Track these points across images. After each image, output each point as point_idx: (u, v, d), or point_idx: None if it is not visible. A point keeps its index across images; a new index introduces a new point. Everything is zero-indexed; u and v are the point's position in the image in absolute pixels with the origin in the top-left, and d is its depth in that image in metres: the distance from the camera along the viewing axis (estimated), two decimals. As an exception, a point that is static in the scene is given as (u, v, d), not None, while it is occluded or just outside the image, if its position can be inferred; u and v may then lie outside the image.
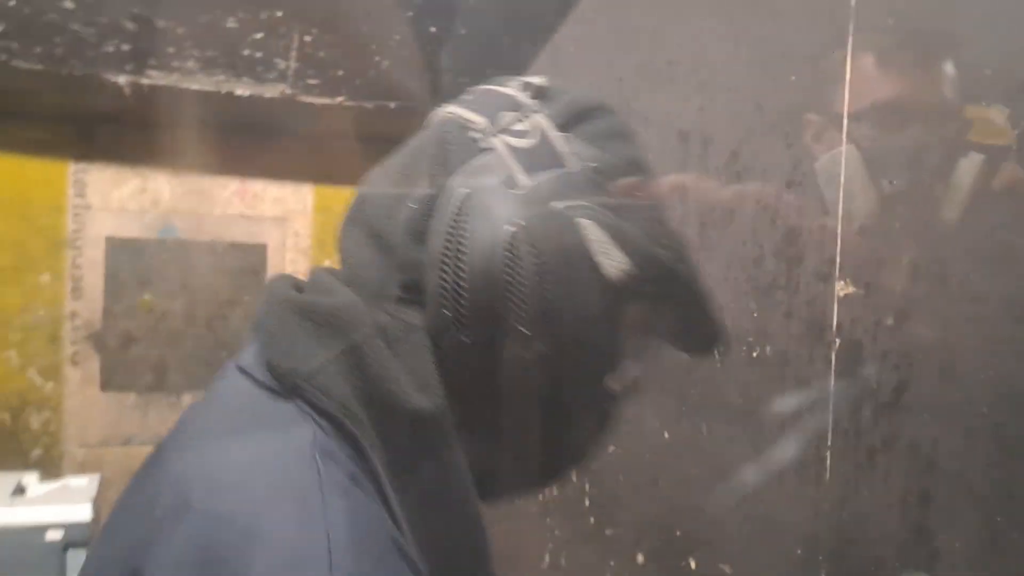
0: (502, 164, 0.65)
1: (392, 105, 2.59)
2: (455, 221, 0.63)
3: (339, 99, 2.53)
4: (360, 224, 0.79)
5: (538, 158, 0.66)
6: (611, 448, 1.67)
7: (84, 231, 3.59)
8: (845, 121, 1.03)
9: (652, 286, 0.67)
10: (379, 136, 3.10)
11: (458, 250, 0.63)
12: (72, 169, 3.52)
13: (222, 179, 3.74)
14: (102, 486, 2.75)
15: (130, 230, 3.69)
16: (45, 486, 2.48)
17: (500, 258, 0.62)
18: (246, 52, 2.21)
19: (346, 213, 0.84)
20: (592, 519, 1.73)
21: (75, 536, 2.17)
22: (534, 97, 0.71)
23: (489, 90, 0.75)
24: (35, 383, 3.53)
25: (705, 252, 1.35)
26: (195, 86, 2.41)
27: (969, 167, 0.84)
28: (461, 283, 0.62)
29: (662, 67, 1.54)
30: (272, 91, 2.45)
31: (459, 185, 0.65)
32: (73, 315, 3.61)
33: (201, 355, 3.88)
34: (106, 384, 3.69)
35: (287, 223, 3.91)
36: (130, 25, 2.04)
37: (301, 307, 0.71)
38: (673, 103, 1.49)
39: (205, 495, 0.60)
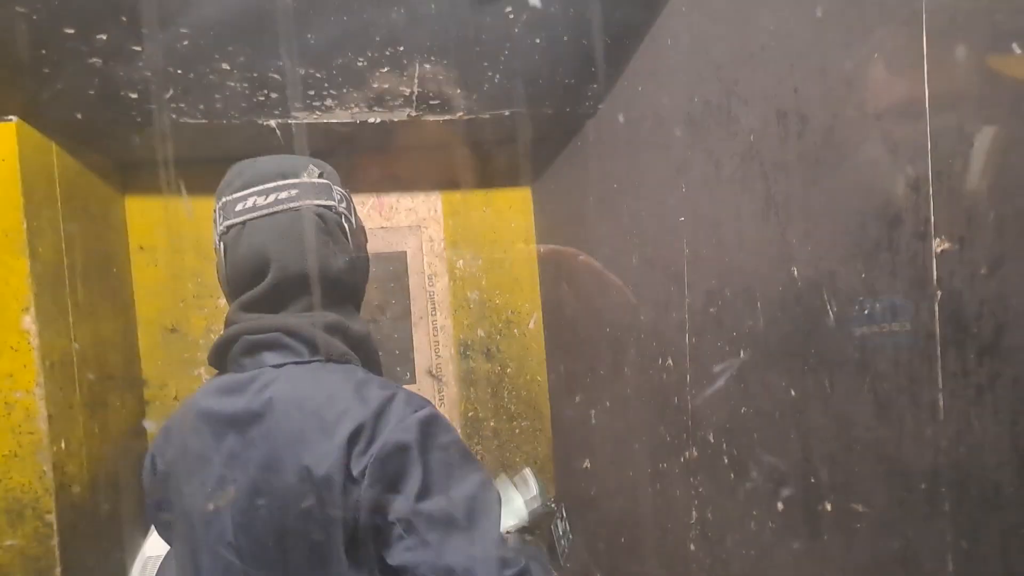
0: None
1: (507, 112, 2.78)
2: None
3: (459, 115, 2.74)
4: None
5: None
6: (743, 409, 1.80)
7: (247, 257, 4.00)
8: (927, 104, 1.13)
9: None
10: (492, 141, 3.32)
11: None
12: (231, 203, 3.93)
13: (361, 196, 4.07)
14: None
15: (285, 252, 4.07)
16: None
17: None
18: (375, 85, 2.46)
19: None
20: (732, 475, 1.87)
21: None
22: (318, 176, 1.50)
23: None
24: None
25: (809, 223, 1.46)
26: (334, 120, 2.69)
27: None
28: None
29: (756, 51, 1.65)
30: (400, 115, 2.70)
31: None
32: (245, 333, 4.04)
33: (359, 358, 4.23)
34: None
35: (422, 230, 4.20)
36: (276, 76, 2.33)
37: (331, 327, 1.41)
38: (770, 85, 1.60)
39: (375, 392, 1.33)
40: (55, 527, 2.41)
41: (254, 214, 1.29)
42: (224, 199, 1.32)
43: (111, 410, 3.12)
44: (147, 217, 3.73)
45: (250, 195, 1.30)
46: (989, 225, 1.04)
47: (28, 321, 2.38)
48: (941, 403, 1.15)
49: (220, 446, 1.28)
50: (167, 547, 2.19)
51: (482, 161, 3.80)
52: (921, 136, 1.15)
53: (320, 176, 1.33)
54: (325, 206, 1.33)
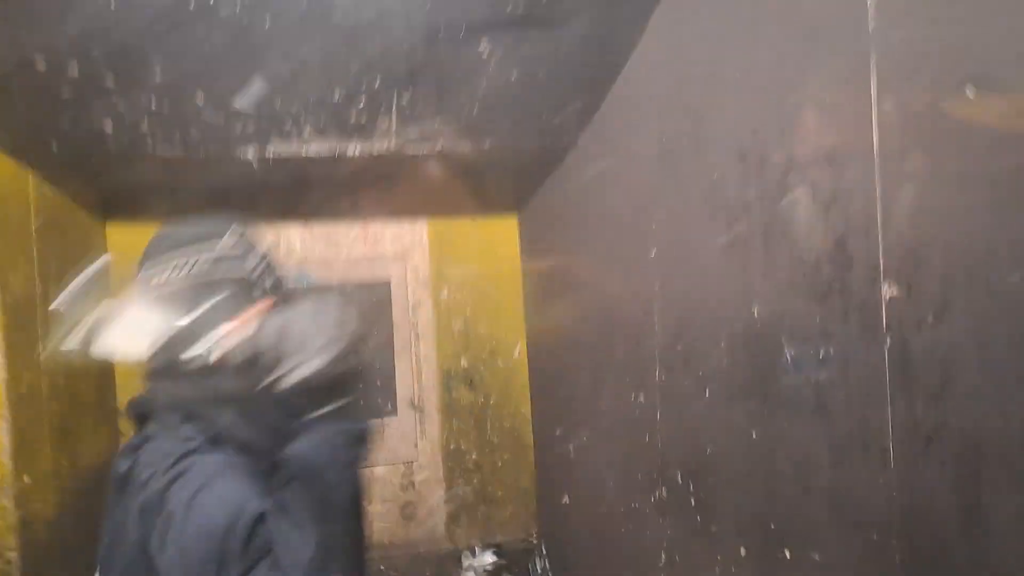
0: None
1: (486, 145, 2.79)
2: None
3: (438, 147, 2.75)
4: None
5: None
6: (708, 450, 1.78)
7: (230, 285, 3.99)
8: (876, 147, 1.12)
9: None
10: (475, 170, 3.32)
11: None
12: (215, 231, 3.92)
13: (346, 225, 4.07)
14: None
15: (269, 280, 4.05)
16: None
17: None
18: (352, 119, 2.46)
19: None
20: (698, 517, 1.84)
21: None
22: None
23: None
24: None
25: (768, 262, 1.45)
26: (312, 152, 2.69)
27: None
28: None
29: (721, 92, 1.65)
30: (379, 147, 2.70)
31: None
32: (228, 361, 4.00)
33: (342, 388, 4.20)
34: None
35: (406, 259, 4.20)
36: (251, 109, 2.33)
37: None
38: (733, 126, 1.59)
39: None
40: (17, 565, 2.37)
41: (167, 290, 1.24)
42: (139, 270, 1.28)
43: (83, 442, 3.09)
44: (128, 244, 3.70)
45: (164, 267, 1.25)
46: (936, 273, 1.03)
47: (-5, 352, 2.36)
48: (891, 451, 1.13)
49: None
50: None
51: (468, 190, 3.80)
52: (869, 180, 1.15)
53: (234, 246, 1.30)
54: (236, 279, 1.28)
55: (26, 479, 2.47)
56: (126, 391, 3.71)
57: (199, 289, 1.23)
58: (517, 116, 2.59)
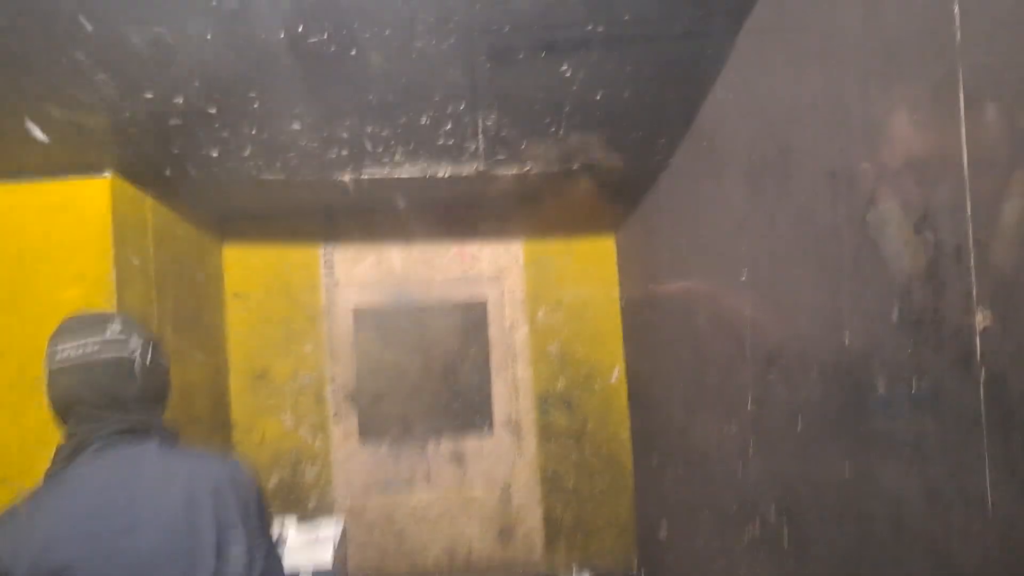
0: None
1: (575, 166, 2.77)
2: None
3: (527, 168, 2.75)
4: None
5: None
6: (801, 486, 1.68)
7: (335, 304, 4.12)
8: (965, 164, 1.04)
9: None
10: (568, 190, 3.31)
11: None
12: (322, 252, 4.08)
13: (443, 246, 4.13)
14: (346, 529, 3.14)
15: (371, 300, 4.17)
16: (302, 532, 2.86)
17: None
18: (440, 141, 2.49)
19: None
20: (792, 560, 1.74)
21: (322, 579, 2.54)
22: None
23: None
24: (306, 440, 4.07)
25: (858, 287, 1.36)
26: (404, 175, 2.74)
27: None
28: None
29: (806, 110, 1.57)
30: (468, 169, 2.72)
31: None
32: (332, 378, 4.13)
33: (439, 405, 4.27)
34: (363, 437, 4.17)
35: (502, 280, 4.22)
36: (345, 134, 2.40)
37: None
38: (820, 144, 1.51)
39: None
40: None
41: (67, 364, 1.52)
42: (49, 348, 1.57)
43: (195, 452, 3.24)
44: (243, 265, 3.90)
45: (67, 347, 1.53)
46: (1030, 301, 0.94)
47: (111, 367, 2.51)
48: (988, 497, 1.03)
49: None
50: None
51: (563, 211, 3.79)
52: (960, 199, 1.06)
53: (120, 332, 1.56)
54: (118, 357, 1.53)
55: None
56: (240, 405, 3.88)
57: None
58: (605, 136, 2.55)
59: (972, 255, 1.04)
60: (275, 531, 2.18)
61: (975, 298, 1.04)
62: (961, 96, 1.04)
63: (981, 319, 1.03)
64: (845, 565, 1.47)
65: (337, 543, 2.74)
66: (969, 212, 1.04)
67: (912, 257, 1.20)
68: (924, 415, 1.18)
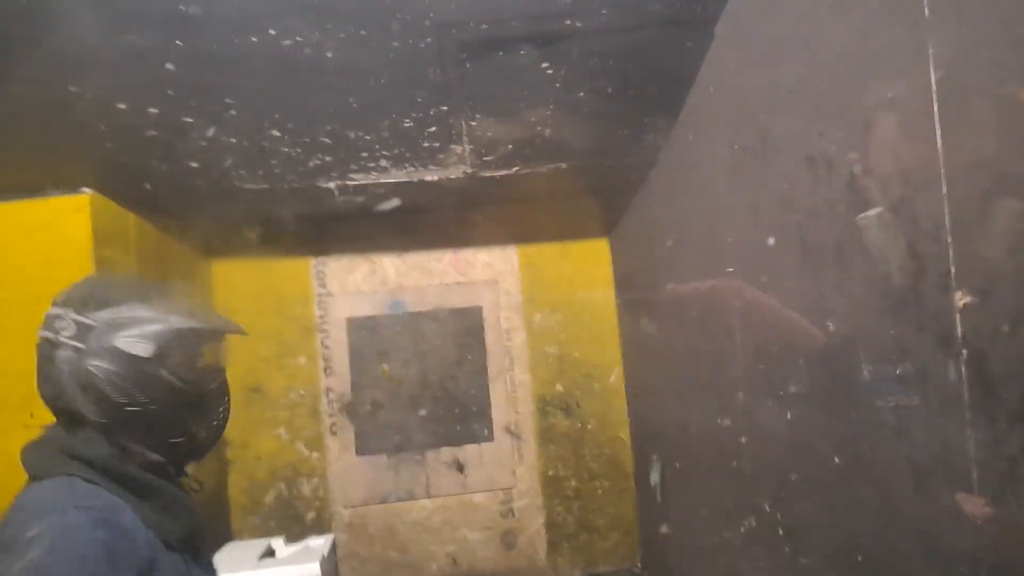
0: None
1: (564, 165, 2.75)
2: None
3: (515, 169, 2.73)
4: None
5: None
6: (793, 476, 1.66)
7: (328, 315, 4.10)
8: (939, 144, 1.02)
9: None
10: (559, 193, 3.29)
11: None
12: (313, 263, 4.06)
13: (437, 252, 4.11)
14: (336, 545, 3.12)
15: (365, 309, 4.15)
16: (290, 548, 2.83)
17: None
18: (426, 144, 2.48)
19: None
20: (787, 548, 1.71)
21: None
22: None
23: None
24: (303, 454, 4.04)
25: (841, 273, 1.34)
26: (391, 179, 2.72)
27: None
28: None
29: (784, 95, 1.55)
30: (455, 172, 2.71)
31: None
32: (328, 390, 4.10)
33: (438, 413, 4.23)
34: (361, 449, 4.14)
35: (498, 284, 4.19)
36: (327, 140, 2.38)
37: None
38: (799, 129, 1.50)
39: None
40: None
41: None
42: None
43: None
44: (233, 280, 3.88)
45: None
46: (1008, 276, 0.92)
47: (100, 383, 2.49)
48: (974, 476, 1.01)
49: None
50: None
51: (555, 214, 3.78)
52: (937, 185, 1.04)
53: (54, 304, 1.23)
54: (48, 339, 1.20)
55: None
56: (234, 421, 3.85)
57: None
58: (591, 135, 2.54)
59: (949, 234, 1.02)
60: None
61: (954, 278, 1.02)
62: (933, 75, 1.03)
63: (960, 297, 1.01)
64: (839, 553, 1.45)
65: (326, 554, 2.71)
66: (945, 191, 1.02)
67: (892, 239, 1.18)
68: (909, 397, 1.16)
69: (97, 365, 1.15)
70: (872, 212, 1.17)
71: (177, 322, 1.22)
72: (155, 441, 1.22)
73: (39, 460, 1.21)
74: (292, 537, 3.06)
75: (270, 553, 2.75)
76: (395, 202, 3.15)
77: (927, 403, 1.11)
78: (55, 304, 1.23)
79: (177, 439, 1.26)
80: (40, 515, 1.09)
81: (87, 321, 1.18)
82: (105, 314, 1.19)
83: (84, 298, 1.23)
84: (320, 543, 2.84)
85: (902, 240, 1.13)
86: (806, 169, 1.46)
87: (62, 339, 1.18)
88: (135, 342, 1.17)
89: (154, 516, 1.18)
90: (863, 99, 1.24)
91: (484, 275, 4.22)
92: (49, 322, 1.21)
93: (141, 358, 1.17)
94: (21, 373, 2.45)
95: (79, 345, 1.17)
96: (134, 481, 1.18)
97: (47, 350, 1.19)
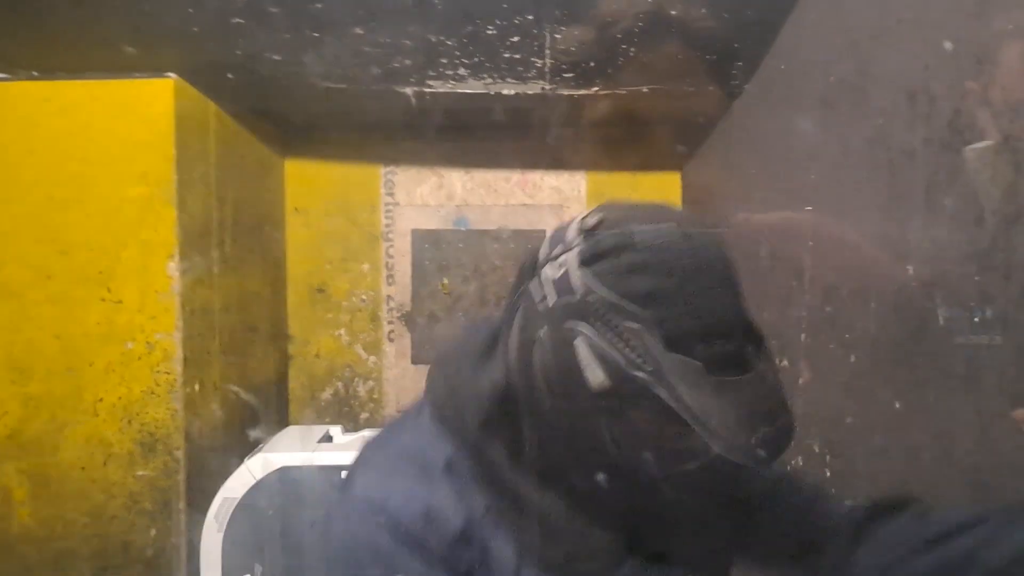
0: (540, 287, 0.86)
1: (645, 89, 2.67)
2: (512, 325, 0.90)
3: (594, 89, 2.67)
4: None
5: (561, 285, 0.83)
6: (848, 420, 1.63)
7: (394, 225, 4.14)
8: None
9: (628, 400, 0.80)
10: (637, 119, 3.22)
11: (510, 345, 0.90)
12: (383, 172, 4.08)
13: (505, 172, 4.09)
14: None
15: (430, 223, 4.17)
16: (347, 437, 2.92)
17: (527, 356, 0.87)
18: (506, 55, 2.43)
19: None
20: (833, 489, 1.70)
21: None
22: (579, 233, 0.86)
23: (564, 225, 0.93)
24: (361, 357, 4.14)
25: (929, 215, 1.29)
26: (468, 90, 2.69)
27: None
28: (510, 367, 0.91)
29: (891, 25, 1.47)
30: (533, 88, 2.66)
31: (519, 299, 0.91)
32: (388, 298, 4.17)
33: (494, 333, 4.28)
34: (416, 358, 4.22)
35: (563, 210, 4.15)
36: (408, 42, 2.36)
37: None
38: (902, 62, 1.42)
39: None
40: (183, 463, 2.60)
41: None
42: None
43: (252, 360, 3.32)
44: (305, 180, 3.93)
45: None
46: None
47: (172, 268, 2.57)
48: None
49: None
50: (243, 490, 2.29)
51: (630, 142, 3.69)
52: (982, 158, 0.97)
53: None
54: None
55: (195, 387, 2.70)
56: (297, 319, 3.96)
57: None
58: (676, 59, 2.45)
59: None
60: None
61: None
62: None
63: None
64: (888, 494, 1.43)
65: None
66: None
67: (990, 183, 1.12)
68: (984, 347, 1.12)
69: None
70: (983, 144, 1.11)
71: None
72: None
73: None
74: (349, 427, 3.15)
75: (328, 439, 2.85)
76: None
77: (1002, 354, 1.07)
78: None
79: None
80: None
81: None
82: None
83: None
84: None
85: (1005, 179, 1.07)
86: (906, 105, 1.39)
87: None
88: None
89: None
90: (979, 30, 1.16)
91: (550, 199, 4.19)
92: None
93: None
94: (101, 247, 2.57)
95: None
96: None
97: None
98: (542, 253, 0.91)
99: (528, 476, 0.90)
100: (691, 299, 0.79)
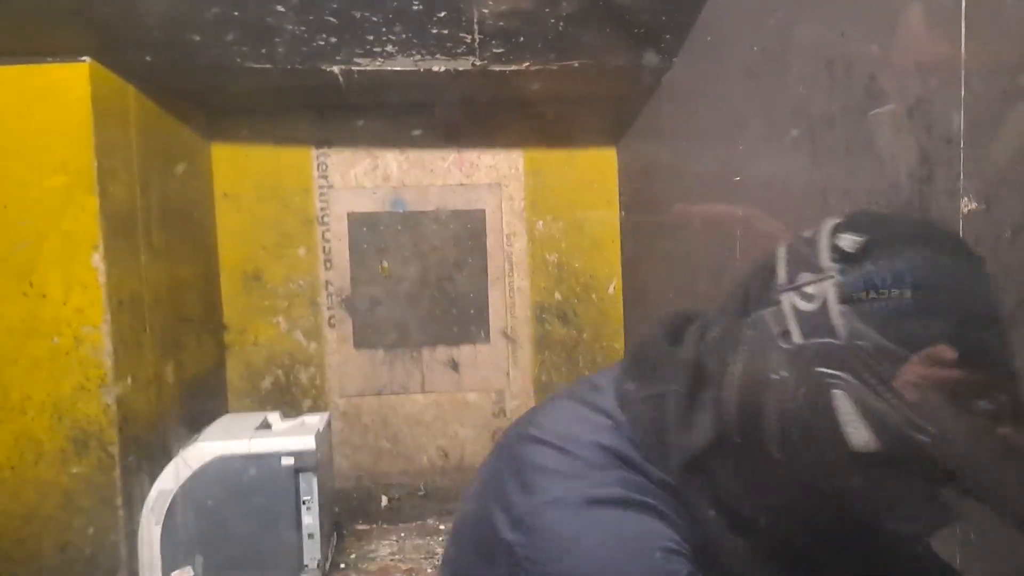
0: (782, 319, 0.70)
1: (576, 64, 2.67)
2: (735, 358, 0.73)
3: (525, 64, 2.65)
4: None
5: (815, 323, 0.69)
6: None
7: (329, 208, 4.07)
8: (963, 57, 0.97)
9: (895, 462, 0.67)
10: (569, 95, 3.21)
11: (731, 381, 0.73)
12: (315, 154, 4.00)
13: (441, 152, 4.05)
14: (331, 422, 3.18)
15: (367, 205, 4.11)
16: (286, 423, 2.88)
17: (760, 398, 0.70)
18: (434, 31, 2.39)
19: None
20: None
21: (304, 462, 2.55)
22: (837, 259, 0.70)
23: (806, 241, 0.75)
24: (301, 344, 4.08)
25: (849, 178, 1.31)
26: (396, 67, 2.65)
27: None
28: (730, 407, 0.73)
29: (809, -8, 1.48)
30: (464, 64, 2.63)
31: (746, 327, 0.74)
32: (327, 283, 4.11)
33: (435, 313, 4.26)
34: (359, 343, 4.18)
35: (502, 188, 4.14)
36: (332, 19, 2.30)
37: None
38: (821, 31, 1.44)
39: None
40: (117, 458, 2.53)
41: None
42: None
43: (187, 351, 3.24)
44: (233, 164, 3.83)
45: None
46: (1014, 184, 0.89)
47: (96, 259, 2.48)
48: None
49: None
50: (179, 481, 2.24)
51: (565, 119, 3.69)
52: (955, 89, 0.99)
53: None
54: None
55: (128, 380, 2.62)
56: (233, 307, 3.87)
57: None
58: (606, 32, 2.45)
59: (962, 139, 0.99)
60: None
61: (962, 184, 0.99)
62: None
63: (966, 204, 0.98)
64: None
65: (321, 430, 2.76)
66: (963, 94, 0.98)
67: (904, 147, 1.15)
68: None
69: None
70: (886, 108, 1.13)
71: None
72: None
73: None
74: (288, 413, 3.11)
75: (266, 426, 2.80)
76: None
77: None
78: None
79: None
80: None
81: None
82: None
83: None
84: (316, 420, 2.88)
85: (914, 144, 1.10)
86: (824, 73, 1.41)
87: None
88: None
89: None
90: (889, 5, 1.18)
91: (488, 178, 4.17)
92: None
93: None
94: (21, 240, 2.46)
95: None
96: None
97: None
98: (781, 274, 0.74)
99: (725, 518, 0.78)
100: (983, 349, 0.67)
